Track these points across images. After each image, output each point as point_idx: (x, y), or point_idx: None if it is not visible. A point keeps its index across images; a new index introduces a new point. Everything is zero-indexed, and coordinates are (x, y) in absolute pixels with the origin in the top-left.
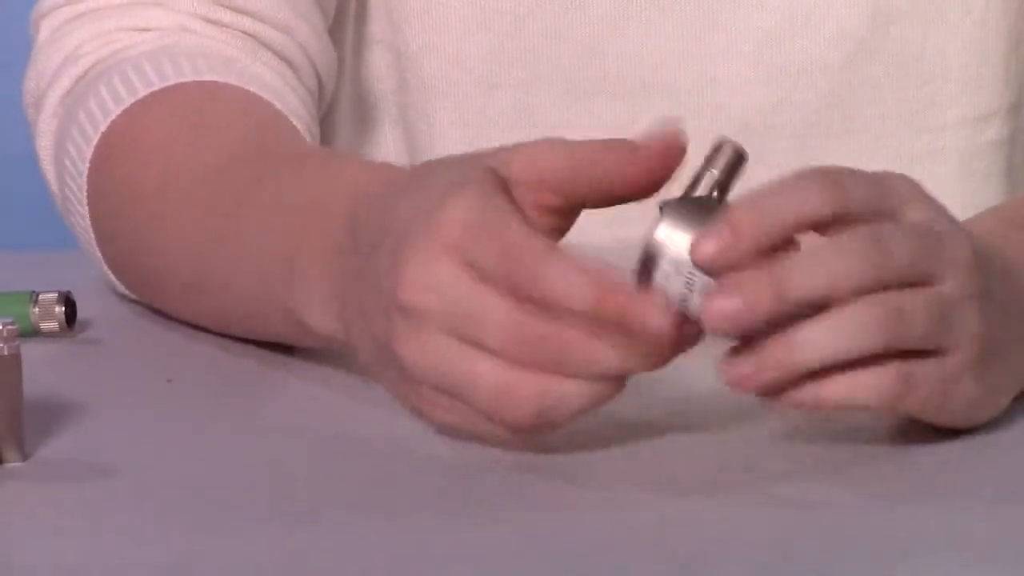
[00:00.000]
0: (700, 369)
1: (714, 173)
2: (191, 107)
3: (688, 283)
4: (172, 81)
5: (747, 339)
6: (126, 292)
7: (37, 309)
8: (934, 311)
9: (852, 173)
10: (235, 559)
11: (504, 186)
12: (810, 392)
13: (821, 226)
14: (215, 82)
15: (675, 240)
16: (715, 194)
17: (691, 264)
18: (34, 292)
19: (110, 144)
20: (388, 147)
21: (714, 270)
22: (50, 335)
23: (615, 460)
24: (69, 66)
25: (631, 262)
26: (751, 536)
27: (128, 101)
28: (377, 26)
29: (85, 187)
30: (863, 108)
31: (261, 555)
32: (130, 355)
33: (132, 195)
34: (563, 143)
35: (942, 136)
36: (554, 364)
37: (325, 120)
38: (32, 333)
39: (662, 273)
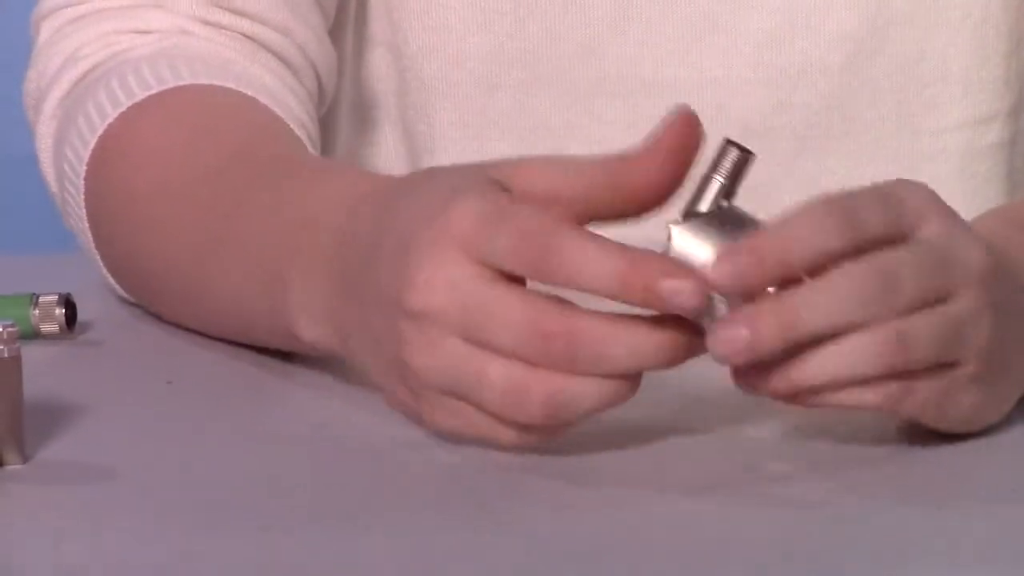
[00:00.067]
0: (701, 371)
1: (719, 178)
2: (187, 111)
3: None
4: (170, 85)
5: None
6: (125, 295)
7: (37, 311)
8: (940, 334)
9: (867, 199)
10: (235, 561)
11: (507, 193)
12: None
13: (837, 257)
14: (212, 86)
15: (687, 255)
16: (722, 201)
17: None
18: (34, 294)
19: (106, 148)
20: (388, 148)
21: (729, 293)
22: (50, 337)
23: (616, 461)
24: (68, 68)
25: None
26: (752, 536)
27: (125, 105)
28: (377, 27)
29: (83, 190)
30: (863, 110)
31: (261, 557)
32: (130, 357)
33: (127, 199)
34: (566, 159)
35: (942, 138)
36: (566, 362)
37: (325, 121)
38: (32, 335)
39: None
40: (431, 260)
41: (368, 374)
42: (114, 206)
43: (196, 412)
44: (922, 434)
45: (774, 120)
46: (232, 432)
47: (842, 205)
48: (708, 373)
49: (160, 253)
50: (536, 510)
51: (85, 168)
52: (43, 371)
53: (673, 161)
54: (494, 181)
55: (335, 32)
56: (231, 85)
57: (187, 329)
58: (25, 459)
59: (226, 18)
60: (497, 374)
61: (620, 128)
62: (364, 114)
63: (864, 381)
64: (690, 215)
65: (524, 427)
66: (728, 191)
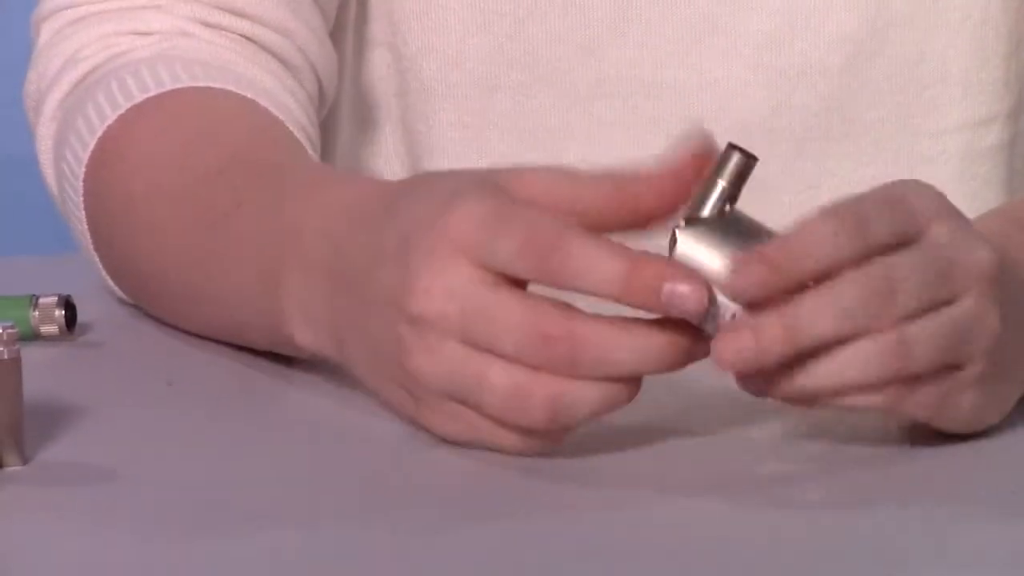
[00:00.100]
0: (701, 372)
1: (722, 184)
2: (186, 114)
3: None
4: (168, 88)
5: None
6: (124, 297)
7: (37, 313)
8: (943, 338)
9: (876, 204)
10: (235, 562)
11: (508, 197)
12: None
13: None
14: (211, 89)
15: (692, 261)
16: (726, 207)
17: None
18: (34, 296)
19: (105, 150)
20: (388, 149)
21: (742, 301)
22: (50, 339)
23: (617, 461)
24: (68, 70)
25: None
26: (752, 536)
27: (124, 107)
28: (377, 27)
29: (81, 192)
30: (863, 112)
31: (261, 558)
32: (130, 358)
33: (126, 201)
34: (567, 168)
35: (942, 140)
36: (568, 366)
37: (326, 122)
38: (32, 337)
39: None
40: (431, 264)
41: (365, 379)
42: (112, 208)
43: (196, 413)
44: (922, 434)
45: (773, 122)
46: (232, 433)
47: (854, 212)
48: (708, 374)
49: (158, 255)
50: (536, 510)
51: (84, 170)
52: (43, 372)
53: (684, 184)
54: (494, 186)
55: (335, 33)
56: (231, 88)
57: (186, 331)
58: (25, 460)
59: (226, 20)
60: (498, 378)
61: (619, 129)
62: (364, 114)
63: (867, 386)
64: (694, 220)
65: (526, 431)
66: (731, 196)
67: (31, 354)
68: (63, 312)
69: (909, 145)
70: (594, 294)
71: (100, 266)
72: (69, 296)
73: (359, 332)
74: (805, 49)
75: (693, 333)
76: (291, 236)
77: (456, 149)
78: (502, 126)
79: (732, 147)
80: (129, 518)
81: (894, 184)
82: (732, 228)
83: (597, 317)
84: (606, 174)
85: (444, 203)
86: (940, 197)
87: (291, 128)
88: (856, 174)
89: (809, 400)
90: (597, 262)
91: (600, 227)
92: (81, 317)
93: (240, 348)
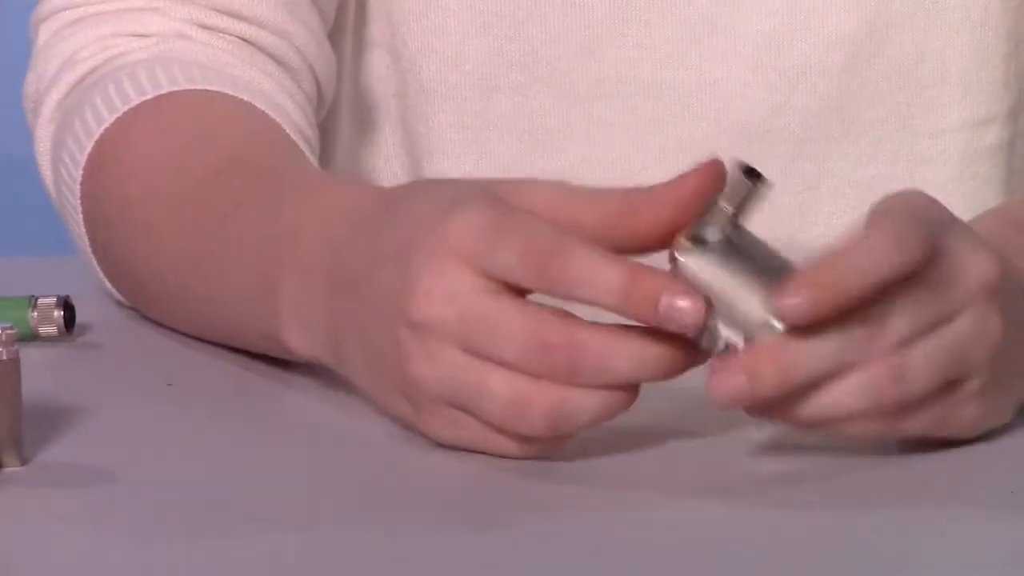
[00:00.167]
0: (701, 374)
1: (728, 207)
2: (183, 117)
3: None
4: (165, 90)
5: None
6: (122, 299)
7: (36, 313)
8: (941, 360)
9: (910, 223)
10: (234, 563)
11: (508, 205)
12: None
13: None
14: (208, 91)
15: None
16: (730, 231)
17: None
18: (33, 296)
19: (102, 153)
20: (388, 150)
21: (794, 325)
22: (49, 339)
23: (616, 462)
24: (66, 71)
25: None
26: (752, 537)
27: (121, 110)
28: (376, 28)
29: (79, 195)
30: (862, 112)
31: (260, 559)
32: (129, 359)
33: (122, 204)
34: (567, 184)
35: (941, 140)
36: (568, 374)
37: (325, 123)
38: (31, 337)
39: None
40: (431, 267)
41: (362, 383)
42: (109, 211)
43: (195, 414)
44: (921, 438)
45: (773, 122)
46: (231, 434)
47: (895, 233)
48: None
49: (155, 257)
50: (535, 512)
51: (81, 173)
52: (41, 373)
53: (686, 205)
54: (494, 195)
55: (334, 34)
56: (228, 90)
57: (184, 333)
58: (24, 461)
59: (224, 22)
60: (498, 386)
61: (619, 130)
62: (363, 116)
63: (863, 414)
64: (696, 242)
65: (525, 438)
66: (735, 221)
67: (30, 355)
68: (62, 313)
69: (909, 145)
70: (593, 303)
71: (98, 269)
72: (68, 297)
73: (357, 336)
74: (804, 50)
75: (690, 341)
76: (288, 239)
77: (456, 150)
78: (502, 127)
79: (743, 170)
80: (128, 519)
81: (909, 197)
82: (734, 252)
83: (596, 325)
84: (607, 191)
85: (444, 209)
86: (943, 209)
87: (288, 131)
88: (856, 174)
89: (807, 427)
90: (597, 271)
91: (606, 245)
92: (80, 318)
93: (239, 349)
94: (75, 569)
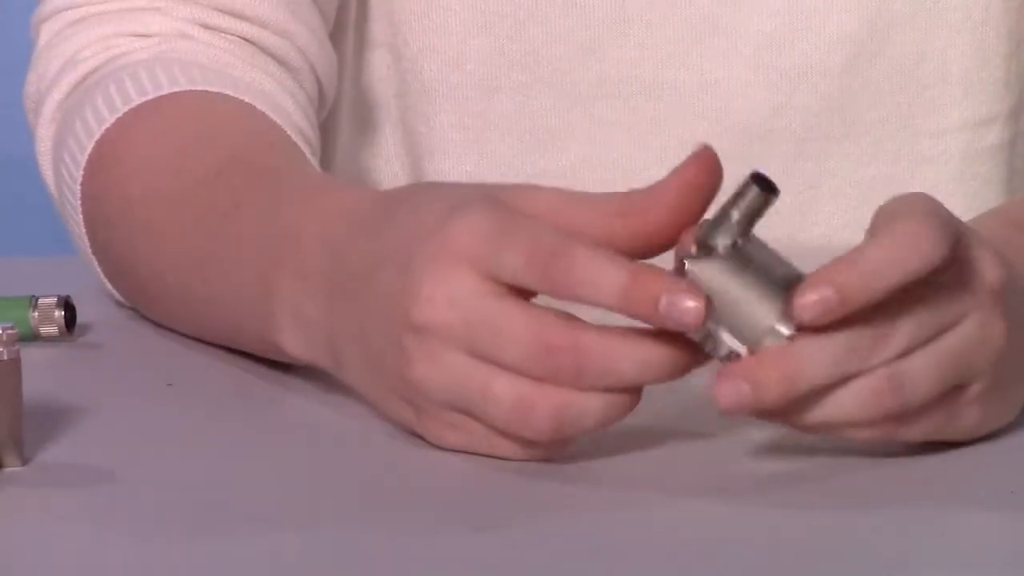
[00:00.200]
0: (703, 376)
1: (736, 215)
2: (183, 118)
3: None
4: (166, 91)
5: None
6: (122, 300)
7: (36, 313)
8: (942, 369)
9: (928, 225)
10: (234, 563)
11: (511, 209)
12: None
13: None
14: (208, 92)
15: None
16: (738, 241)
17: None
18: (33, 296)
19: (103, 154)
20: (389, 150)
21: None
22: (49, 339)
23: (617, 462)
24: (68, 71)
25: None
26: (752, 537)
27: (122, 111)
28: (377, 27)
29: (79, 195)
30: (863, 112)
31: (260, 559)
32: (130, 359)
33: (123, 204)
34: (569, 191)
35: (942, 140)
36: (571, 377)
37: (325, 123)
38: (32, 337)
39: None
40: (433, 272)
41: (361, 386)
42: (110, 211)
43: (195, 414)
44: None
45: (774, 122)
46: (231, 434)
47: (914, 235)
48: (708, 375)
49: (155, 258)
50: (536, 512)
51: (81, 174)
52: (42, 373)
53: (685, 202)
54: (496, 199)
55: (335, 34)
56: (228, 91)
57: (183, 334)
58: (24, 461)
59: (225, 22)
60: (503, 389)
61: (620, 130)
62: (364, 115)
63: (863, 422)
64: (703, 251)
65: (528, 442)
66: (744, 230)
67: (31, 355)
68: (63, 313)
69: (910, 145)
70: (596, 304)
71: (98, 269)
72: (69, 297)
73: (356, 337)
74: (806, 50)
75: (694, 342)
76: (288, 240)
77: (457, 150)
78: (503, 127)
79: (754, 179)
80: (128, 519)
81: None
82: (743, 261)
83: (600, 328)
84: (607, 194)
85: (447, 213)
86: (947, 210)
87: (289, 132)
88: (857, 174)
89: (808, 431)
90: (600, 272)
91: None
92: (81, 318)
93: (238, 350)
94: (75, 569)
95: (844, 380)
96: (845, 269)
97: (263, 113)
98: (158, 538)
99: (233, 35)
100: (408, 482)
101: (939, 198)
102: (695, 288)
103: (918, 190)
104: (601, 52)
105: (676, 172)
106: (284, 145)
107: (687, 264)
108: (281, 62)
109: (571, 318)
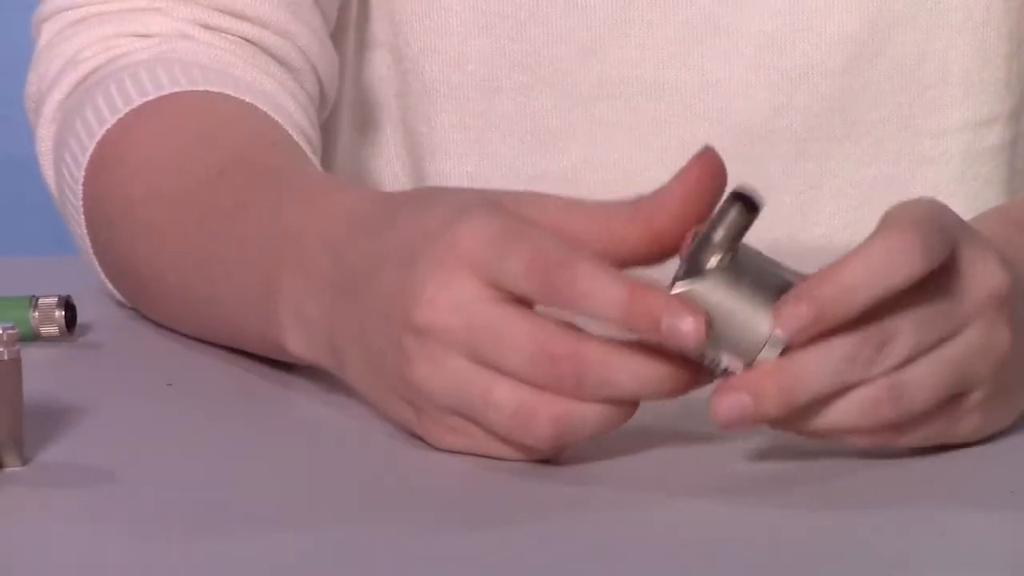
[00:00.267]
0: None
1: (721, 233)
2: (185, 118)
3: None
4: (167, 91)
5: None
6: (123, 300)
7: (37, 313)
8: (942, 378)
9: (923, 233)
10: (234, 563)
11: (516, 216)
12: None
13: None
14: (210, 93)
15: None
16: (726, 258)
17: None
18: (34, 296)
19: (104, 154)
20: (389, 150)
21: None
22: (50, 339)
23: (617, 463)
24: (68, 71)
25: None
26: (752, 538)
27: (123, 111)
28: (379, 27)
29: (81, 196)
30: (864, 112)
31: (261, 559)
32: (130, 359)
33: (125, 205)
34: (570, 198)
35: (943, 141)
36: (573, 386)
37: (326, 123)
38: (32, 337)
39: None
40: (437, 276)
41: (362, 387)
42: (111, 212)
43: (195, 414)
44: None
45: (775, 122)
46: (231, 434)
47: (891, 250)
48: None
49: (157, 258)
50: (536, 512)
51: (83, 174)
52: (42, 373)
53: (690, 206)
54: (501, 205)
55: (336, 34)
56: (230, 91)
57: (185, 335)
58: (25, 461)
59: (226, 22)
60: (503, 396)
61: (621, 130)
62: (365, 115)
63: (863, 430)
64: (693, 271)
65: (527, 447)
66: (730, 247)
67: (31, 355)
68: (63, 313)
69: (910, 145)
70: (596, 317)
71: (99, 269)
72: (69, 297)
73: (356, 336)
74: (807, 50)
75: (694, 361)
76: (290, 240)
77: (458, 151)
78: (504, 127)
79: (735, 197)
80: (129, 519)
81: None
82: (732, 277)
83: (602, 338)
84: (611, 203)
85: (452, 217)
86: (953, 214)
87: (290, 132)
88: (858, 175)
89: (807, 436)
90: (601, 285)
91: (610, 259)
92: (81, 318)
93: (239, 349)
94: (75, 569)
95: (844, 390)
96: (821, 285)
97: (264, 113)
98: (158, 538)
99: (234, 35)
100: (408, 482)
101: (940, 198)
102: (695, 307)
103: (919, 190)
104: (602, 53)
105: (680, 176)
106: (286, 145)
107: (676, 287)
108: (282, 62)
109: (572, 327)
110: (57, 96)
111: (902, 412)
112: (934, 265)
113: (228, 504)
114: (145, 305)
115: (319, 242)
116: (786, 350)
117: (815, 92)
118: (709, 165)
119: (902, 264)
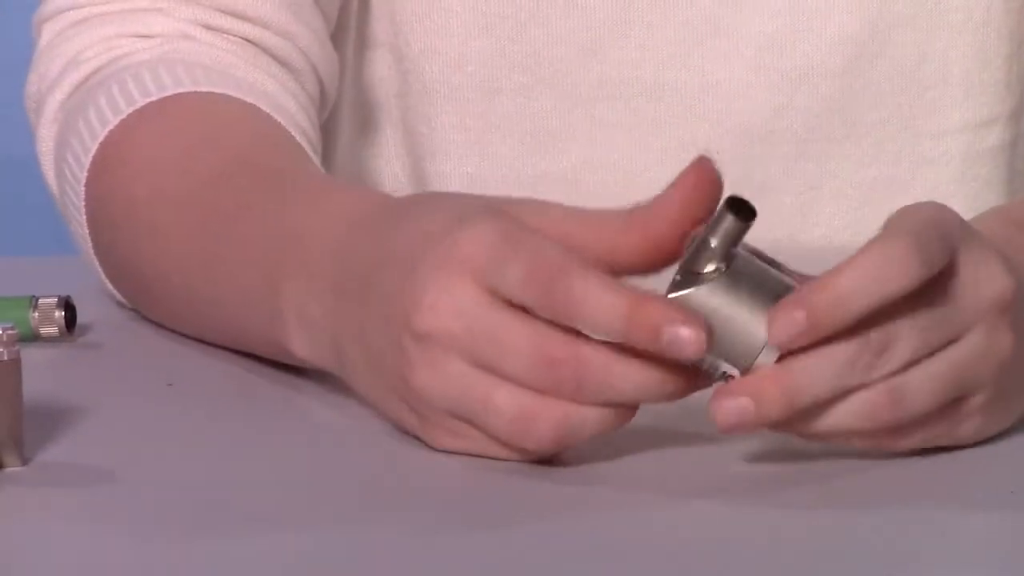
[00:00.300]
0: None
1: (715, 242)
2: (188, 119)
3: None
4: (170, 92)
5: None
6: (124, 301)
7: (37, 314)
8: (943, 382)
9: (923, 239)
10: (234, 563)
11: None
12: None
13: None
14: (212, 93)
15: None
16: (721, 266)
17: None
18: (34, 297)
19: (107, 155)
20: (389, 150)
21: (782, 349)
22: (50, 340)
23: (617, 463)
24: (70, 72)
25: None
26: (752, 538)
27: (126, 112)
28: (379, 28)
29: (83, 196)
30: (864, 113)
31: (261, 559)
32: (130, 359)
33: (127, 206)
34: (571, 206)
35: (943, 141)
36: (572, 391)
37: (326, 123)
38: (32, 338)
39: None
40: (437, 280)
41: (364, 389)
42: (114, 213)
43: (196, 414)
44: None
45: (775, 123)
46: (231, 434)
47: (887, 259)
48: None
49: (160, 259)
50: (536, 512)
51: (86, 175)
52: (42, 373)
53: (687, 214)
54: (503, 212)
55: (337, 34)
56: (232, 92)
57: (187, 335)
58: (24, 461)
59: (228, 23)
60: (504, 401)
61: (621, 131)
62: (365, 116)
63: (862, 433)
64: (689, 279)
65: (531, 452)
66: (725, 255)
67: (31, 355)
68: (63, 313)
69: (910, 146)
70: (595, 328)
71: (100, 270)
72: (69, 297)
73: (357, 337)
74: (807, 51)
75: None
76: (293, 242)
77: (458, 151)
78: (504, 128)
79: (729, 205)
80: (129, 519)
81: (918, 214)
82: (728, 284)
83: (601, 343)
84: (611, 211)
85: (454, 222)
86: (958, 218)
87: (292, 133)
88: (858, 175)
89: (807, 439)
90: (600, 295)
91: (612, 267)
92: (81, 318)
93: (239, 350)
94: (75, 569)
95: (845, 393)
96: (816, 292)
97: (267, 114)
98: (158, 538)
99: (235, 36)
100: (408, 482)
101: (940, 199)
102: (696, 317)
103: (919, 191)
104: (602, 54)
105: (676, 184)
106: (288, 146)
107: (672, 296)
108: (283, 63)
109: (572, 331)
110: (58, 96)
111: (901, 416)
112: (931, 273)
113: (228, 504)
114: (147, 306)
115: (322, 244)
116: (783, 355)
117: (815, 93)
118: (705, 172)
119: (898, 273)
